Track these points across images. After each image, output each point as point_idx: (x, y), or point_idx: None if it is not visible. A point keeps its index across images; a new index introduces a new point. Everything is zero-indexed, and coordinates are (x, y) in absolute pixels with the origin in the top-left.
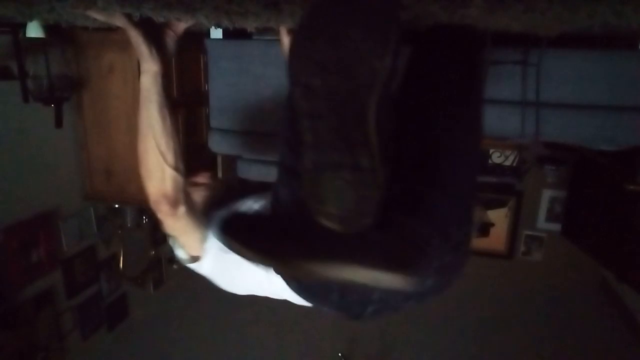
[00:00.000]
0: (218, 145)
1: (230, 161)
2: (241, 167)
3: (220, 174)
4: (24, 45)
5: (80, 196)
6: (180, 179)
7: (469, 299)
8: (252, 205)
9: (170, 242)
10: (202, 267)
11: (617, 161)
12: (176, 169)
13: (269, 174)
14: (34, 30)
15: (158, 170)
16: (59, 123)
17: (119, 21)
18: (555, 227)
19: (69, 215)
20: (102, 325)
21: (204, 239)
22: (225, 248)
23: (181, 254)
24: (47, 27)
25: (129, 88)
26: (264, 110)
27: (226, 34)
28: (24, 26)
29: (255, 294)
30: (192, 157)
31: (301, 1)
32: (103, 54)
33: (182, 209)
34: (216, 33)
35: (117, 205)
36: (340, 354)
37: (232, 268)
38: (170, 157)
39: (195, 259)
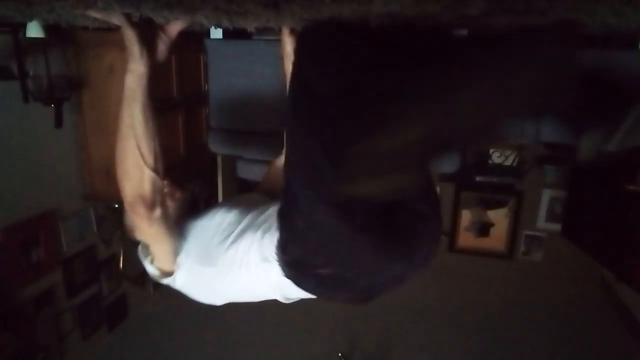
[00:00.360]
0: (218, 145)
1: (230, 161)
2: (241, 167)
3: (220, 175)
4: (24, 45)
5: (80, 196)
6: (158, 181)
7: (469, 299)
8: (226, 213)
9: (141, 254)
10: (176, 282)
11: (617, 161)
12: (155, 170)
13: None
14: (34, 30)
15: (137, 171)
16: (59, 123)
17: (117, 19)
18: (555, 227)
19: (69, 215)
20: (102, 325)
21: (176, 251)
22: (202, 260)
23: (151, 269)
24: (47, 27)
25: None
26: (263, 110)
27: (226, 34)
28: (24, 26)
29: (237, 301)
30: (192, 157)
31: (301, 1)
32: (103, 54)
33: (157, 212)
34: (216, 33)
35: (117, 205)
36: (340, 354)
37: (210, 279)
38: (149, 159)
39: (167, 273)
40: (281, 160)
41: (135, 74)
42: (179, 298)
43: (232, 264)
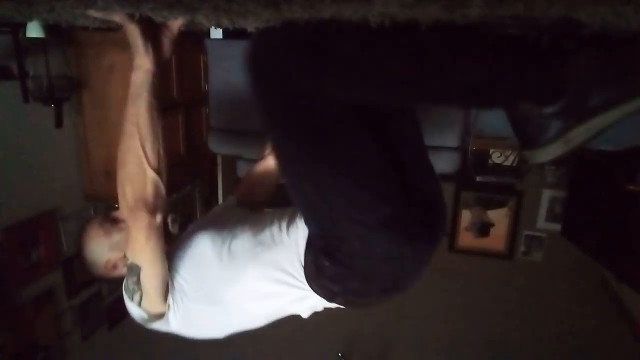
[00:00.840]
0: (218, 145)
1: (230, 161)
2: (241, 167)
3: (220, 175)
4: (24, 45)
5: (80, 196)
6: (161, 185)
7: (469, 299)
8: (212, 240)
9: (126, 294)
10: (171, 325)
11: (617, 161)
12: (158, 173)
13: None
14: (34, 30)
15: (139, 172)
16: (59, 123)
17: (118, 17)
18: (555, 227)
19: (69, 215)
20: (102, 325)
21: (167, 285)
22: (201, 299)
23: (138, 312)
24: (47, 27)
25: (128, 88)
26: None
27: (226, 34)
28: (24, 26)
29: (239, 330)
30: (192, 157)
31: (301, 1)
32: (103, 54)
33: (159, 219)
34: (216, 33)
35: (117, 206)
36: (340, 354)
37: (215, 318)
38: (153, 160)
39: (157, 316)
40: (262, 167)
41: (141, 70)
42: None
43: (242, 299)
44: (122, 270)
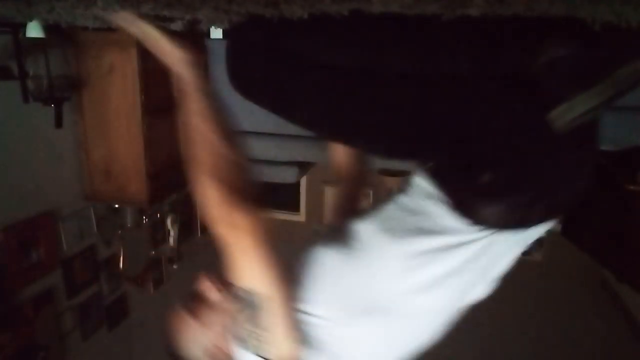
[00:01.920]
0: None
1: None
2: None
3: None
4: (24, 45)
5: (80, 196)
6: (249, 167)
7: None
8: (308, 250)
9: (239, 345)
10: None
11: (617, 161)
12: (241, 155)
13: (269, 174)
14: (34, 30)
15: (222, 160)
16: (59, 123)
17: (135, 28)
18: (555, 227)
19: (69, 215)
20: (102, 325)
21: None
22: (345, 316)
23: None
24: (47, 27)
25: (129, 88)
26: (264, 110)
27: (226, 34)
28: (24, 26)
29: (419, 342)
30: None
31: (301, 1)
32: (103, 54)
33: (263, 215)
34: (216, 33)
35: (117, 205)
36: None
37: (372, 330)
38: (232, 140)
39: None
40: (344, 182)
41: (185, 62)
42: (179, 298)
43: (401, 287)
44: (229, 347)
